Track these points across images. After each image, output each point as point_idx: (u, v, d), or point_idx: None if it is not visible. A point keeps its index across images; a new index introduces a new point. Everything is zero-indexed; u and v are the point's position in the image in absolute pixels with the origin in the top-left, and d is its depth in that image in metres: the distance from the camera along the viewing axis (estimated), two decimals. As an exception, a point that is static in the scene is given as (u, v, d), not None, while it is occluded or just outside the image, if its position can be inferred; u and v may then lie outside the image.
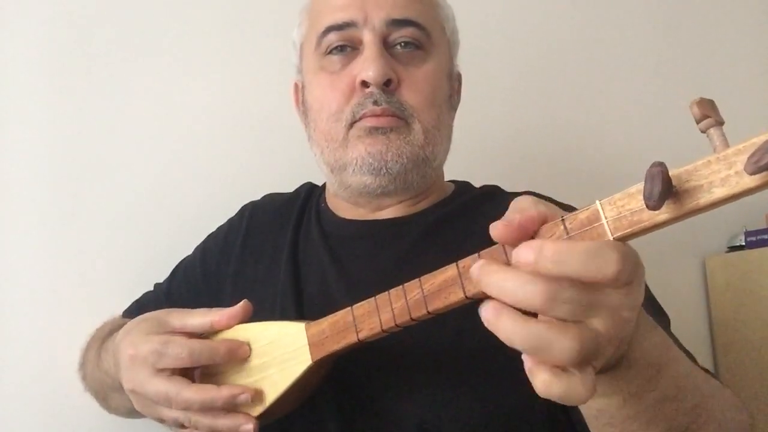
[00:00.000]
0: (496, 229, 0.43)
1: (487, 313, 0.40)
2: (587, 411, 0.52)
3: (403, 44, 0.77)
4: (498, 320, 0.40)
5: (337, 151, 0.77)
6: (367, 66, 0.74)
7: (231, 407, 0.62)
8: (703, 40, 1.46)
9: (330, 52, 0.78)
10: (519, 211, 0.44)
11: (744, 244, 1.31)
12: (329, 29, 0.78)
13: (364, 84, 0.75)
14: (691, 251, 1.36)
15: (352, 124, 0.75)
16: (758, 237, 1.28)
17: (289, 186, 0.97)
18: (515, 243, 0.42)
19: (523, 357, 0.41)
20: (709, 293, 1.35)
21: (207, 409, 0.61)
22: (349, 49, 0.78)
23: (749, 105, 1.41)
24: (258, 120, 1.15)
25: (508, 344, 0.40)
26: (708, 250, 1.37)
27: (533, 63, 1.34)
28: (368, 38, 0.76)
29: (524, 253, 0.39)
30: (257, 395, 0.62)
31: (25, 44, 1.06)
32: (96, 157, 1.07)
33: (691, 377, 0.54)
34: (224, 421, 0.62)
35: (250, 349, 0.64)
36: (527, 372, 0.41)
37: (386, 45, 0.77)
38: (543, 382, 0.39)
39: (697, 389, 0.54)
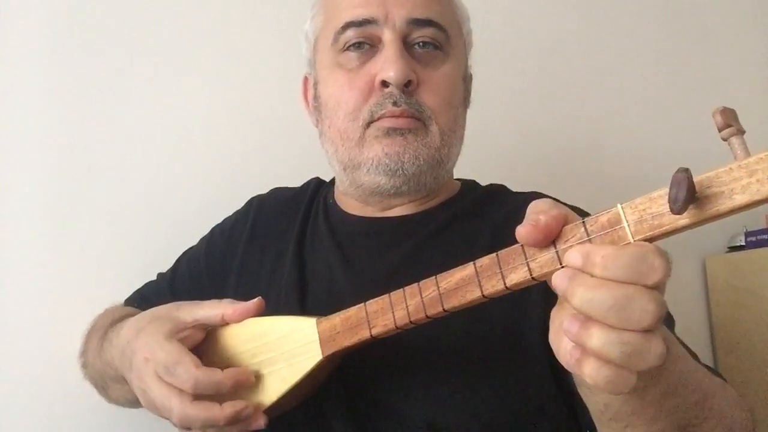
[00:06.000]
0: (522, 231, 0.44)
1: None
2: (594, 406, 0.53)
3: (422, 44, 0.76)
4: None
5: (352, 150, 0.76)
6: (388, 66, 0.73)
7: (235, 422, 0.62)
8: (712, 42, 1.46)
9: (347, 49, 0.77)
10: (541, 212, 0.44)
11: (744, 244, 1.31)
12: (348, 25, 0.76)
13: (384, 84, 0.74)
14: (691, 251, 1.37)
15: (369, 124, 0.75)
16: (758, 237, 1.29)
17: (291, 180, 0.96)
18: (541, 244, 0.42)
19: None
20: (709, 293, 1.36)
21: (209, 425, 0.61)
22: (367, 46, 0.76)
23: (752, 107, 1.42)
24: (261, 114, 1.14)
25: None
26: (708, 250, 1.38)
27: (540, 63, 1.34)
28: (388, 37, 0.74)
29: (573, 256, 0.41)
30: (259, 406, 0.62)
31: (25, 41, 1.05)
32: (98, 151, 1.06)
33: (694, 374, 0.55)
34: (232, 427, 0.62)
35: (257, 376, 0.64)
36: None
37: (405, 44, 0.76)
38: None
39: (699, 386, 0.54)
